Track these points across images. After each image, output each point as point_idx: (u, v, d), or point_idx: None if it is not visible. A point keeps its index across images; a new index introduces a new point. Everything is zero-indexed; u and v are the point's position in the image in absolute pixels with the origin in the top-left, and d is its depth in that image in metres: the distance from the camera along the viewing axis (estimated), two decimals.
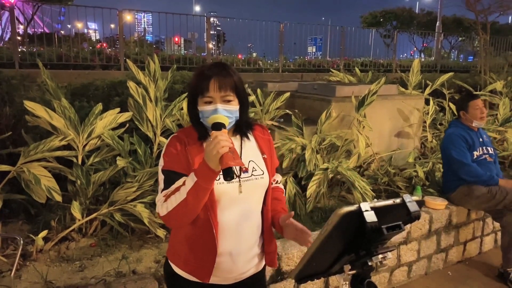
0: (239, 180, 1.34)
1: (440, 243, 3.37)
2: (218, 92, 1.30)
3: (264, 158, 1.43)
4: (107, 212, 2.63)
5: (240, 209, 1.36)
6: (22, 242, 1.64)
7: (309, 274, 1.00)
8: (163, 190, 1.30)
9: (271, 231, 1.47)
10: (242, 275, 1.42)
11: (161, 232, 2.64)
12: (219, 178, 1.28)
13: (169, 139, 1.38)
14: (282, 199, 1.55)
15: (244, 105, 1.38)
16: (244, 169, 1.37)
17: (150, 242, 2.74)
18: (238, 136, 1.43)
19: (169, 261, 1.47)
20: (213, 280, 1.38)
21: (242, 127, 1.42)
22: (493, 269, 3.37)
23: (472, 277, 3.33)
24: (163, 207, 1.26)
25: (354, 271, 0.93)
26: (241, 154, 1.40)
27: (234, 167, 1.17)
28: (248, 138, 1.44)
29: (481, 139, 3.45)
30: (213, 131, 1.22)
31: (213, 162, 1.14)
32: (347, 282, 0.95)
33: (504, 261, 3.22)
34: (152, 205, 2.71)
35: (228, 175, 1.12)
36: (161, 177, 1.33)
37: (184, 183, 1.23)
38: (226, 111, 1.30)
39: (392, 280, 3.11)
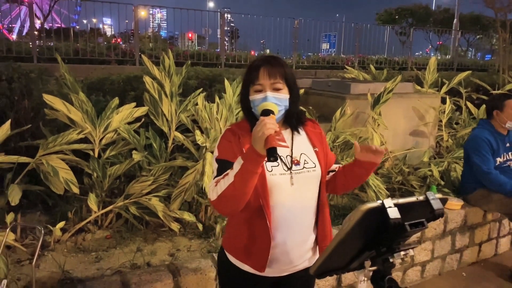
0: (291, 172, 1.37)
1: (455, 243, 3.33)
2: (268, 79, 1.34)
3: (315, 151, 1.45)
4: (123, 205, 2.66)
5: (293, 201, 1.37)
6: (43, 232, 1.67)
7: (328, 269, 1.00)
8: (215, 177, 1.34)
9: (326, 224, 1.48)
10: (295, 267, 1.44)
11: (175, 226, 2.66)
12: (272, 170, 1.33)
13: (223, 131, 1.44)
14: None
15: (294, 96, 1.40)
16: (295, 161, 1.39)
17: (164, 236, 2.77)
18: (288, 129, 1.46)
19: (225, 251, 1.50)
20: (267, 271, 1.40)
21: (293, 120, 1.44)
22: (508, 271, 3.32)
23: (486, 278, 3.28)
24: (214, 192, 1.29)
25: (374, 267, 0.93)
26: (292, 147, 1.42)
27: (282, 157, 1.27)
28: (298, 131, 1.46)
29: (508, 144, 3.29)
30: (261, 116, 1.23)
31: (258, 144, 1.15)
32: (366, 278, 0.94)
33: None
34: (166, 199, 2.73)
35: (272, 155, 1.13)
36: (215, 166, 1.37)
37: (232, 168, 1.25)
38: (275, 99, 1.33)
39: (405, 279, 3.09)
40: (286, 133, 1.44)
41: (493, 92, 5.54)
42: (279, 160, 1.36)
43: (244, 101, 1.42)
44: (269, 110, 1.28)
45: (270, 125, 1.15)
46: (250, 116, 1.41)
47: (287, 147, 1.22)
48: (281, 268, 1.42)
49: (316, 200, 1.44)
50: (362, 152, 1.38)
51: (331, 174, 1.54)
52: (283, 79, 1.36)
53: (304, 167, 1.39)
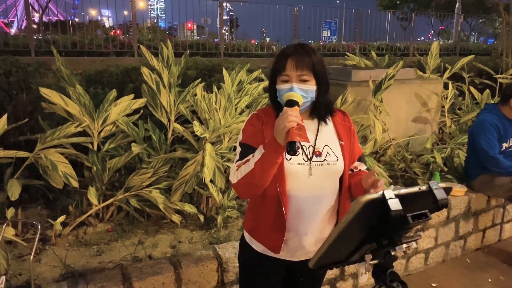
0: (310, 163, 1.36)
1: (459, 230, 3.30)
2: (295, 71, 1.32)
3: (341, 145, 1.42)
4: (123, 198, 2.65)
5: (310, 191, 1.37)
6: (40, 227, 1.66)
7: (328, 262, 0.97)
8: (237, 161, 1.37)
9: None
10: (308, 254, 1.45)
11: (176, 218, 2.65)
12: (291, 158, 1.33)
13: (249, 116, 1.45)
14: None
15: (322, 87, 1.37)
16: (317, 152, 1.38)
17: (166, 228, 2.76)
18: (315, 120, 1.44)
19: (244, 232, 1.54)
20: (282, 254, 1.44)
21: (321, 110, 1.42)
22: None
23: (490, 264, 3.27)
24: (235, 176, 1.33)
25: (376, 261, 0.90)
26: (316, 138, 1.40)
27: (304, 146, 1.31)
28: (325, 122, 1.44)
29: None
30: (285, 107, 1.23)
31: (280, 136, 1.17)
32: (367, 272, 0.92)
33: None
34: (167, 191, 2.72)
35: (291, 149, 1.14)
36: (238, 150, 1.41)
37: (253, 155, 1.28)
38: (301, 90, 1.31)
39: (408, 267, 3.08)
40: (313, 124, 1.43)
41: (497, 76, 5.46)
42: (300, 150, 1.37)
43: (271, 89, 1.41)
44: (294, 101, 1.27)
45: (292, 117, 1.16)
46: (276, 104, 1.40)
47: (308, 140, 1.20)
48: (295, 252, 1.44)
49: (336, 193, 1.43)
50: (369, 182, 1.30)
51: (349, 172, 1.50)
52: (311, 70, 1.33)
53: (325, 159, 1.38)
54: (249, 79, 3.40)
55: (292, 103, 1.25)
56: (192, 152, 2.82)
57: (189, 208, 2.66)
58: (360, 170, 1.51)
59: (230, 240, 2.54)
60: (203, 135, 2.61)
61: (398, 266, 3.02)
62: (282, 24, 11.50)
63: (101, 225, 2.73)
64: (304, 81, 1.32)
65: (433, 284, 2.97)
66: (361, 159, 1.52)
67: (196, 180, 2.66)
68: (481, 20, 20.97)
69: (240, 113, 3.02)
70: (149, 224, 2.78)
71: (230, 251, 2.27)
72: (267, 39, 15.51)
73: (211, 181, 2.51)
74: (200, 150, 2.70)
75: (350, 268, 2.67)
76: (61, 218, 2.48)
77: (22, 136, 3.14)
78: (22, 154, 2.52)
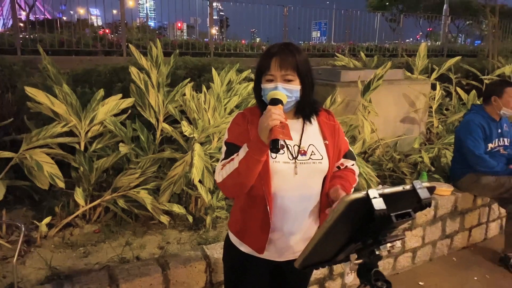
0: (295, 161, 1.37)
1: (445, 229, 3.35)
2: (279, 71, 1.33)
3: (325, 144, 1.43)
4: (111, 199, 2.62)
5: (295, 190, 1.38)
6: (24, 229, 1.63)
7: (313, 262, 0.98)
8: (222, 160, 1.37)
9: None
10: (294, 254, 1.45)
11: (164, 218, 2.63)
12: (276, 157, 1.34)
13: (235, 115, 1.46)
14: (345, 177, 1.51)
15: (307, 87, 1.38)
16: (302, 151, 1.39)
17: (154, 228, 2.73)
18: (300, 119, 1.44)
19: (228, 232, 1.54)
20: (266, 254, 1.44)
21: (305, 109, 1.43)
22: (498, 255, 3.35)
23: (476, 263, 3.32)
24: (219, 175, 1.34)
25: (360, 260, 0.91)
26: (301, 137, 1.41)
27: (289, 145, 1.33)
28: (310, 121, 1.45)
29: (500, 130, 3.29)
30: (268, 106, 1.25)
31: (263, 134, 1.18)
32: (353, 271, 0.92)
33: (506, 246, 3.21)
34: (155, 192, 2.69)
35: (274, 146, 1.15)
36: (223, 149, 1.41)
37: (238, 154, 1.29)
38: (285, 90, 1.32)
39: (396, 266, 3.11)
40: (298, 123, 1.44)
41: (484, 77, 5.54)
42: (285, 148, 1.38)
43: (256, 88, 1.42)
44: (278, 99, 1.28)
45: (275, 115, 1.17)
46: (262, 103, 1.41)
47: (291, 138, 1.22)
48: (280, 252, 1.44)
49: (320, 191, 1.44)
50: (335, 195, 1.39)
51: (335, 169, 1.52)
52: (295, 70, 1.34)
53: (310, 158, 1.39)
54: (239, 79, 3.39)
55: (276, 102, 1.27)
56: (180, 152, 2.80)
57: (177, 208, 2.64)
58: (346, 166, 1.53)
59: (219, 240, 2.53)
60: (192, 135, 2.60)
61: (386, 265, 3.04)
62: (273, 25, 11.53)
63: (88, 226, 2.69)
64: (289, 80, 1.33)
65: (420, 283, 3.00)
66: (347, 156, 1.53)
67: (184, 180, 2.64)
68: (468, 22, 21.26)
69: (230, 113, 3.00)
70: (137, 225, 2.75)
71: (219, 252, 2.26)
72: (257, 39, 15.53)
73: (200, 181, 2.50)
74: (189, 150, 2.68)
75: (338, 268, 2.68)
76: (47, 219, 2.44)
77: (7, 136, 3.09)
78: (7, 154, 2.47)
